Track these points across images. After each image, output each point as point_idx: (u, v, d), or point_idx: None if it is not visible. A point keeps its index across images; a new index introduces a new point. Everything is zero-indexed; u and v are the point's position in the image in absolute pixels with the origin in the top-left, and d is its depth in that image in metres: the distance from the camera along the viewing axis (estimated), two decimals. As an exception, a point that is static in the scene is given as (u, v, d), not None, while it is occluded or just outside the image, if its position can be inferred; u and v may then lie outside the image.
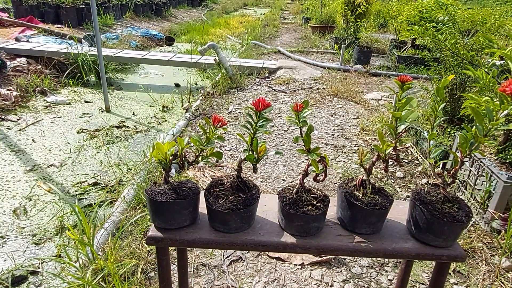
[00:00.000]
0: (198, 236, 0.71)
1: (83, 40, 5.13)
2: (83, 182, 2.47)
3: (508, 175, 1.86)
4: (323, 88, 4.18)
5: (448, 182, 0.73)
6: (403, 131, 0.71)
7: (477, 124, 0.68)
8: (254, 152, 0.70)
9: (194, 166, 2.44)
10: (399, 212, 0.82)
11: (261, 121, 0.66)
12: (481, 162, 2.04)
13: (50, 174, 2.56)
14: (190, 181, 0.78)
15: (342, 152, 2.78)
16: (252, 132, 0.67)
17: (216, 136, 0.69)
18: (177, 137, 0.87)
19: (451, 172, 0.72)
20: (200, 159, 0.72)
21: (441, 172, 0.74)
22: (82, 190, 2.37)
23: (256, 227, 0.75)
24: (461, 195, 2.22)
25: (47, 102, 3.70)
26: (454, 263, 1.70)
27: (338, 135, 3.05)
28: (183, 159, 0.71)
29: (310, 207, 0.71)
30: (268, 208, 0.81)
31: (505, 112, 0.65)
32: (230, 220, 0.70)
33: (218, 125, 0.67)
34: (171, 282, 0.80)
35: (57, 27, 6.06)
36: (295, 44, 6.95)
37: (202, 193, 0.75)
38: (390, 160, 0.75)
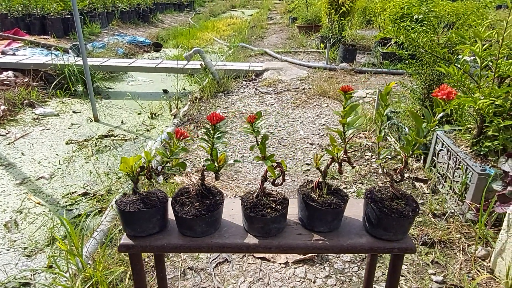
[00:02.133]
0: (167, 241, 0.77)
1: (69, 50, 5.16)
2: (73, 192, 2.51)
3: (482, 167, 1.94)
4: (309, 88, 4.24)
5: (397, 180, 0.79)
6: (351, 136, 0.77)
7: (418, 127, 0.74)
8: (215, 162, 0.75)
9: (181, 173, 2.49)
10: (358, 209, 0.88)
11: (217, 133, 0.72)
12: (457, 155, 2.11)
13: (40, 186, 2.59)
14: (159, 190, 0.83)
15: (326, 153, 2.84)
16: (210, 144, 0.72)
17: (180, 148, 0.74)
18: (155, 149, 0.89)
19: (397, 171, 0.78)
20: (166, 170, 0.77)
21: (390, 172, 0.80)
22: (72, 201, 2.41)
23: (222, 230, 0.80)
24: (441, 188, 2.30)
25: (35, 114, 3.73)
26: (433, 254, 1.76)
27: (323, 135, 3.12)
28: (150, 170, 0.77)
29: (269, 210, 0.77)
30: (235, 212, 0.87)
31: (440, 115, 0.71)
32: (195, 225, 0.75)
33: (181, 138, 0.72)
34: (146, 287, 0.85)
35: (44, 38, 6.07)
36: (282, 45, 7.02)
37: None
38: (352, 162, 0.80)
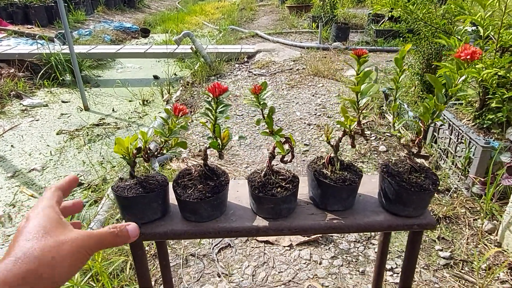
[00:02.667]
0: (170, 228, 0.71)
1: (55, 39, 4.98)
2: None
3: (486, 140, 1.90)
4: (303, 69, 4.15)
5: (414, 152, 0.74)
6: (365, 105, 0.70)
7: (437, 92, 0.67)
8: (218, 139, 0.69)
9: (177, 158, 2.42)
10: (372, 186, 0.83)
11: (220, 107, 0.65)
12: (460, 129, 2.07)
13: (33, 178, 2.51)
14: (159, 173, 0.76)
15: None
16: (213, 119, 0.66)
17: (180, 125, 0.67)
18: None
19: (416, 142, 0.73)
20: (165, 150, 0.71)
21: (407, 143, 0.74)
22: (66, 192, 2.34)
23: (228, 213, 0.75)
24: (443, 164, 2.26)
25: (23, 106, 3.61)
26: (439, 230, 1.73)
27: (320, 114, 3.05)
28: (148, 152, 0.70)
29: (279, 189, 0.71)
30: (241, 193, 0.81)
31: (462, 78, 0.65)
32: (200, 209, 0.69)
33: (180, 114, 0.66)
34: (149, 275, 0.80)
35: (28, 28, 5.86)
36: (273, 26, 6.87)
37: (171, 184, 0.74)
38: (359, 135, 0.75)
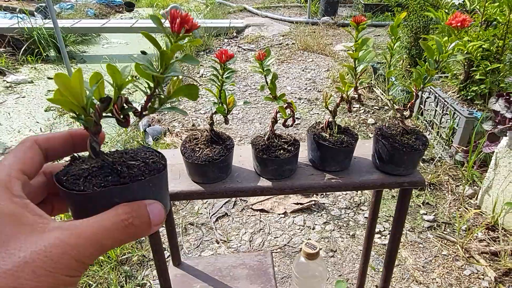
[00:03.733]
0: (180, 189, 0.75)
1: (35, 13, 4.81)
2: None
3: (469, 111, 1.98)
4: (292, 44, 4.15)
5: (406, 116, 0.79)
6: (362, 71, 0.75)
7: (429, 59, 0.72)
8: (224, 104, 0.73)
9: (171, 132, 2.44)
10: (365, 149, 0.88)
11: (226, 72, 0.68)
12: (445, 101, 2.15)
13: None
14: (148, 147, 0.39)
15: (316, 105, 2.84)
16: (219, 84, 0.69)
17: (184, 55, 0.36)
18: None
19: (408, 106, 0.78)
20: (157, 104, 0.35)
21: (400, 107, 0.80)
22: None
23: (233, 176, 0.79)
24: (429, 135, 2.36)
25: (7, 82, 3.53)
26: (424, 196, 1.83)
27: (310, 89, 3.10)
28: (123, 105, 0.33)
29: (282, 151, 0.76)
30: (244, 158, 0.86)
31: (453, 44, 0.70)
32: (207, 171, 0.74)
33: (185, 30, 0.32)
34: (159, 236, 0.85)
35: (5, 1, 5.62)
36: (262, 0, 6.76)
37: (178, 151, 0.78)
38: (354, 101, 0.79)
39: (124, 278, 1.42)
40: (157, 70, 0.34)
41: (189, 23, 0.33)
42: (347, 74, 0.78)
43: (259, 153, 0.75)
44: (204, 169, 0.73)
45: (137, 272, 1.45)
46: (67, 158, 0.35)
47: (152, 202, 0.30)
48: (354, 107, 2.77)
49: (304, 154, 0.87)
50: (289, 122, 0.78)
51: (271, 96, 0.74)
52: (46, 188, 0.32)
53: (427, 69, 0.73)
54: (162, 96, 0.35)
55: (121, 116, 0.34)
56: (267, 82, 0.73)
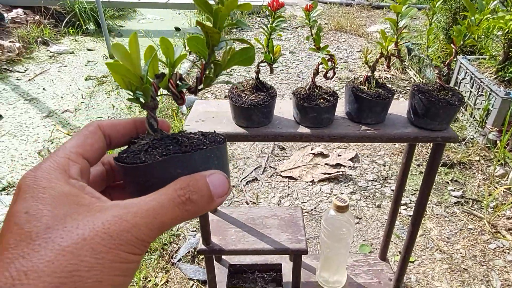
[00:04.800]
0: (226, 131, 0.82)
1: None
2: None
3: (506, 91, 1.95)
4: (325, 23, 4.12)
5: (444, 73, 0.82)
6: (404, 26, 0.78)
7: (470, 16, 0.75)
8: (270, 53, 0.78)
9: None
10: (400, 108, 0.92)
11: (276, 21, 0.74)
12: (481, 82, 2.11)
13: (66, 119, 2.67)
14: (208, 132, 0.34)
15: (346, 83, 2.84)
16: (268, 32, 0.75)
17: (236, 21, 0.33)
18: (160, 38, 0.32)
19: (447, 63, 0.81)
20: (212, 73, 0.33)
21: (438, 65, 0.83)
22: (99, 132, 2.49)
23: (274, 122, 0.86)
24: (462, 116, 2.33)
25: (50, 52, 3.71)
26: (452, 173, 1.84)
27: (342, 68, 3.09)
28: (179, 82, 0.32)
29: (322, 100, 0.81)
30: (283, 109, 0.92)
31: (495, 2, 0.72)
32: (252, 114, 0.80)
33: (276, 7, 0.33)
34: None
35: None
36: (295, -19, 6.66)
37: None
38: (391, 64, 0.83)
39: (160, 229, 1.53)
40: (215, 40, 0.31)
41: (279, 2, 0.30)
42: (369, 52, 0.82)
43: (300, 101, 0.81)
44: (249, 113, 0.80)
45: (172, 224, 1.56)
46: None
47: (213, 172, 0.27)
48: (385, 87, 2.75)
49: (340, 109, 0.92)
50: (330, 74, 0.83)
51: (315, 47, 0.79)
52: (104, 179, 0.31)
53: (468, 26, 0.76)
54: (219, 63, 0.32)
55: (178, 92, 0.32)
56: (312, 33, 0.78)
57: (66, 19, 4.17)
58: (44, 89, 3.05)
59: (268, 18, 0.74)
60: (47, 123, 2.61)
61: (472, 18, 0.75)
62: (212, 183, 0.26)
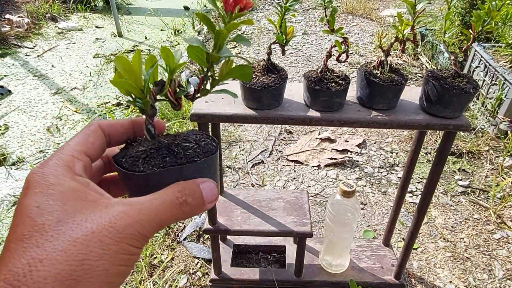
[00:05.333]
0: (235, 112, 0.82)
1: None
2: (107, 103, 2.60)
3: (521, 81, 1.90)
4: (337, 6, 4.02)
5: (460, 60, 0.80)
6: (421, 10, 0.76)
7: (491, 1, 0.72)
8: (283, 34, 0.77)
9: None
10: (413, 94, 0.91)
11: (290, 0, 0.72)
12: (495, 70, 2.07)
13: (75, 96, 2.68)
14: (197, 131, 0.38)
15: (356, 68, 2.80)
16: (282, 12, 0.73)
17: (236, 36, 0.34)
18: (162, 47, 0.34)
19: (464, 48, 0.79)
20: (209, 86, 0.35)
21: (454, 51, 0.81)
22: (107, 110, 2.50)
23: (284, 105, 0.85)
24: (473, 106, 2.29)
25: (59, 28, 3.69)
26: (460, 163, 1.82)
27: (352, 53, 3.04)
28: (177, 89, 0.35)
29: (333, 84, 0.80)
30: (293, 92, 0.90)
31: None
32: (262, 96, 0.79)
33: (238, 9, 0.32)
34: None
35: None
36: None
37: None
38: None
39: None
40: (214, 50, 0.33)
41: (243, 1, 0.33)
42: (379, 39, 0.79)
43: (311, 84, 0.80)
44: (259, 95, 0.79)
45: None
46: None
47: (205, 181, 0.30)
48: (396, 73, 2.71)
49: (351, 94, 0.90)
50: (343, 57, 0.81)
51: (328, 29, 0.77)
52: (102, 171, 0.34)
53: (488, 11, 0.73)
54: (216, 78, 0.35)
55: (175, 99, 0.34)
56: (326, 15, 0.76)
57: (75, -5, 4.13)
58: (52, 65, 3.05)
59: (282, -2, 0.72)
60: (55, 100, 2.62)
61: (493, 3, 0.73)
62: (204, 190, 0.30)
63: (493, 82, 2.10)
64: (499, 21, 0.76)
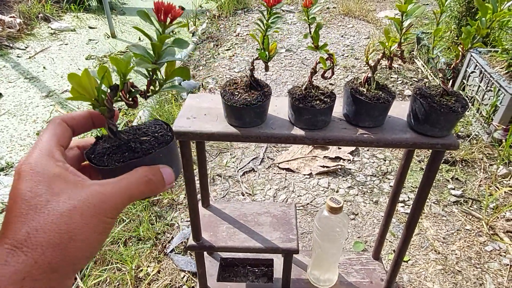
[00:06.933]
0: (216, 130, 0.79)
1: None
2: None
3: (516, 88, 1.88)
4: (333, 7, 4.00)
5: (448, 77, 0.78)
6: (409, 26, 0.73)
7: (481, 17, 0.70)
8: (266, 51, 0.74)
9: (204, 88, 2.48)
10: (401, 110, 0.88)
11: (272, 17, 0.69)
12: (491, 76, 2.05)
13: (66, 99, 2.64)
14: (157, 120, 0.44)
15: (352, 72, 2.77)
16: (264, 29, 0.70)
17: (173, 39, 0.39)
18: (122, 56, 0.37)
19: (452, 66, 0.76)
20: (156, 86, 0.41)
21: (443, 68, 0.78)
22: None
23: (268, 122, 0.82)
24: (468, 112, 2.27)
25: (51, 29, 3.65)
26: (454, 171, 1.80)
27: (348, 55, 3.01)
28: (130, 89, 0.39)
29: (318, 102, 0.77)
30: (278, 107, 0.88)
31: (510, 3, 0.67)
32: (244, 114, 0.77)
33: (170, 19, 0.38)
34: (193, 172, 0.91)
35: None
36: (305, -40, 6.45)
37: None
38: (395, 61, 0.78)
39: (154, 218, 1.52)
40: (151, 58, 0.39)
41: (173, 12, 0.38)
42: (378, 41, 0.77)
43: (295, 101, 0.77)
44: (241, 113, 0.76)
45: (166, 213, 1.55)
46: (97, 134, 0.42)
47: (163, 167, 0.37)
48: (391, 77, 2.69)
49: (338, 109, 0.88)
50: (328, 74, 0.78)
51: (313, 45, 0.74)
52: (80, 159, 0.40)
53: (477, 28, 0.71)
54: (161, 80, 0.40)
55: (130, 99, 0.39)
56: (310, 31, 0.73)
57: (68, -6, 4.08)
58: (44, 67, 3.01)
59: (264, 13, 0.70)
60: (46, 103, 2.58)
61: (483, 19, 0.70)
62: (164, 173, 0.36)
63: (488, 88, 2.08)
64: (495, 26, 0.74)
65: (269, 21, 0.69)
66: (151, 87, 0.40)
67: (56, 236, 0.28)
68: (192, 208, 0.96)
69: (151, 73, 0.40)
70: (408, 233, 0.98)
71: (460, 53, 0.74)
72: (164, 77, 0.41)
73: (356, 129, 0.81)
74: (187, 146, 0.85)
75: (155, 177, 0.35)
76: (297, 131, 0.80)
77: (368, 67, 0.80)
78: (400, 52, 0.77)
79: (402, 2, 0.73)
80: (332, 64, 0.77)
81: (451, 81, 0.77)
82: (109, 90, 0.38)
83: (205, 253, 1.22)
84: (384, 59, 0.80)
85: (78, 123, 0.38)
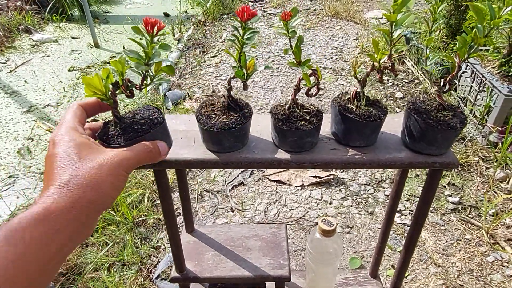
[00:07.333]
0: (194, 157, 0.72)
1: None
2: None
3: (510, 88, 1.83)
4: (320, 9, 3.94)
5: (444, 90, 0.71)
6: (399, 37, 0.67)
7: (478, 24, 0.63)
8: (243, 68, 0.67)
9: (190, 97, 2.41)
10: (395, 125, 0.81)
11: (247, 33, 0.62)
12: (483, 76, 2.00)
13: (48, 114, 2.55)
14: (149, 106, 0.61)
15: (341, 75, 2.72)
16: (239, 46, 0.63)
17: (159, 45, 0.54)
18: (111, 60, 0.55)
19: (448, 78, 0.70)
20: (148, 80, 0.55)
21: (438, 80, 0.72)
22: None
23: (250, 145, 0.75)
24: (460, 112, 2.22)
25: (33, 40, 3.55)
26: (450, 176, 1.75)
27: (336, 58, 2.96)
28: (127, 84, 0.53)
29: (303, 122, 0.70)
30: (262, 127, 0.81)
31: (509, 8, 0.61)
32: (223, 139, 0.69)
33: (155, 31, 0.53)
34: (172, 201, 0.83)
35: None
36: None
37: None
38: (386, 70, 0.72)
39: (139, 240, 1.44)
40: (143, 60, 0.53)
41: (158, 25, 0.53)
42: (376, 45, 0.70)
43: (278, 123, 0.70)
44: (219, 137, 0.69)
45: (152, 234, 1.47)
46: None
47: (159, 142, 0.51)
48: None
49: (326, 126, 0.81)
50: (313, 91, 0.71)
51: (295, 61, 0.67)
52: (92, 138, 0.48)
53: (474, 36, 0.64)
54: (151, 75, 0.55)
55: (128, 92, 0.54)
56: (291, 46, 0.66)
57: (50, 4, 3.97)
58: (25, 81, 2.91)
59: (239, 28, 0.62)
60: (27, 119, 2.49)
61: (480, 26, 0.64)
62: (160, 146, 0.51)
63: (480, 88, 2.03)
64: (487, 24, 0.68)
65: (244, 37, 0.62)
66: (144, 82, 0.54)
67: (93, 181, 0.39)
68: (173, 239, 0.88)
69: (144, 71, 0.54)
70: (407, 256, 0.91)
71: (456, 64, 0.68)
72: (154, 73, 0.55)
73: (347, 150, 0.74)
74: (163, 175, 0.77)
75: (154, 149, 0.49)
76: (282, 155, 0.73)
77: (357, 81, 0.74)
78: (391, 64, 0.70)
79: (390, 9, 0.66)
80: (317, 80, 0.70)
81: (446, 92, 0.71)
82: (111, 86, 0.51)
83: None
84: (373, 71, 0.73)
85: (90, 108, 0.50)
